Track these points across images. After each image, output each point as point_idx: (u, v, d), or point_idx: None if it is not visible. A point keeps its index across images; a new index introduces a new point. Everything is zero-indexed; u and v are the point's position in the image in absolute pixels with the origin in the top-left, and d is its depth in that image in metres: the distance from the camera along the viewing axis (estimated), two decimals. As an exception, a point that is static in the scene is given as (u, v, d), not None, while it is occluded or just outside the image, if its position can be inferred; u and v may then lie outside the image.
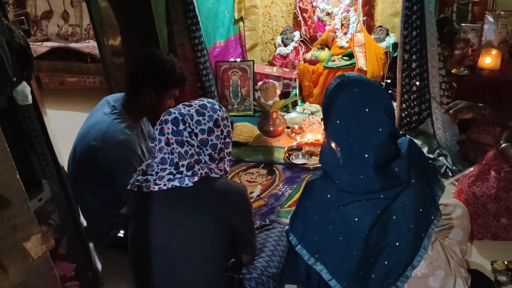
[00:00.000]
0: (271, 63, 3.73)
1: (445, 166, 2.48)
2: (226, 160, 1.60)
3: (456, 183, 2.31)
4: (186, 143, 1.46)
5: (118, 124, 1.99)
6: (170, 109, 1.52)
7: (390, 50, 3.32)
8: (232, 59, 3.49)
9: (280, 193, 2.51)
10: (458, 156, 2.55)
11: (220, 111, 1.57)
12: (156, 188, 1.45)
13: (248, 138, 3.11)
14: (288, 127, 3.16)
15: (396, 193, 1.39)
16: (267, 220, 2.29)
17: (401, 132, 2.78)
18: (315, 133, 3.00)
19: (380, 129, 1.37)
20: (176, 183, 1.44)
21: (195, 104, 1.56)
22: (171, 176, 1.45)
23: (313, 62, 3.48)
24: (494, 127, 2.41)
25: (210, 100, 1.60)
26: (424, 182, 1.45)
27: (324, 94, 1.52)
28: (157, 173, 1.48)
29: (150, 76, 1.99)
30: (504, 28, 3.25)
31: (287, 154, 2.84)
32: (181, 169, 1.45)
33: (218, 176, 1.52)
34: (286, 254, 1.74)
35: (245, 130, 3.16)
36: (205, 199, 1.46)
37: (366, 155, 1.36)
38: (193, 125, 1.50)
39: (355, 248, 1.41)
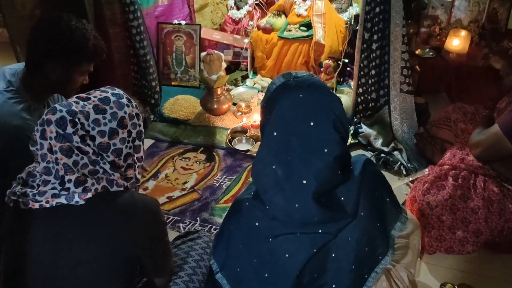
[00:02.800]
0: (222, 28, 3.34)
1: (399, 163, 2.25)
2: (137, 166, 1.30)
3: (411, 185, 2.10)
4: (76, 151, 1.15)
5: (13, 106, 1.62)
6: (56, 106, 1.18)
7: (352, 23, 3.00)
8: (176, 21, 3.08)
9: (217, 184, 2.23)
10: (414, 151, 2.33)
11: (128, 106, 1.25)
12: (37, 205, 1.13)
13: (189, 114, 2.77)
14: (235, 104, 2.84)
15: (338, 228, 1.14)
16: (198, 218, 2.02)
17: (355, 120, 2.52)
18: (263, 114, 2.69)
19: (326, 150, 1.09)
20: (62, 200, 1.13)
21: (95, 97, 1.23)
22: (56, 191, 1.14)
23: (268, 30, 3.12)
24: (456, 123, 2.18)
25: (116, 91, 1.27)
26: (376, 215, 1.20)
27: (264, 95, 1.22)
28: (38, 185, 1.16)
29: (55, 47, 1.61)
30: (476, 6, 2.99)
31: (230, 137, 2.54)
32: (67, 185, 1.14)
33: (122, 188, 1.21)
34: (207, 278, 1.48)
35: (187, 105, 2.82)
36: (100, 221, 1.16)
37: (305, 181, 1.09)
38: (88, 125, 1.18)
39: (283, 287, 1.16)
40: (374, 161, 2.32)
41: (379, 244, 1.21)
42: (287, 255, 1.14)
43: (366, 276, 1.19)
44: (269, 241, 1.15)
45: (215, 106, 2.70)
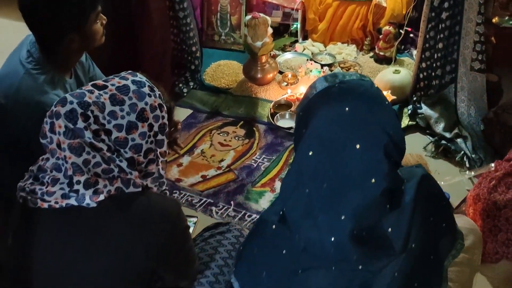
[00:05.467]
0: (272, -16, 3.05)
1: (462, 152, 1.98)
2: (159, 161, 1.15)
3: (474, 179, 1.84)
4: (87, 148, 1.02)
5: (34, 78, 1.49)
6: (67, 96, 1.05)
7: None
8: (222, -23, 2.83)
9: (255, 165, 2.07)
10: (480, 138, 2.03)
11: (150, 96, 1.11)
12: (46, 205, 1.03)
13: (231, 83, 2.58)
14: (281, 72, 2.61)
15: (382, 265, 0.95)
16: (232, 202, 1.88)
17: (414, 99, 2.23)
18: (310, 86, 2.45)
19: (372, 181, 0.89)
20: (72, 201, 1.02)
21: (113, 85, 1.09)
22: (65, 192, 1.02)
23: (322, -11, 2.81)
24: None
25: (138, 78, 1.13)
26: (430, 246, 0.99)
27: (301, 101, 1.02)
28: (47, 183, 1.05)
29: (60, 22, 1.44)
30: None
31: (273, 111, 2.34)
32: (76, 186, 1.02)
33: (139, 189, 1.08)
34: None
35: (229, 72, 2.62)
36: (111, 229, 1.05)
37: (343, 217, 0.89)
38: (104, 118, 1.05)
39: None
40: (433, 148, 2.07)
41: (431, 279, 1.01)
42: (318, 291, 0.97)
43: (412, 313, 1.00)
44: (298, 274, 0.98)
45: (259, 75, 2.49)
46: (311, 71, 2.53)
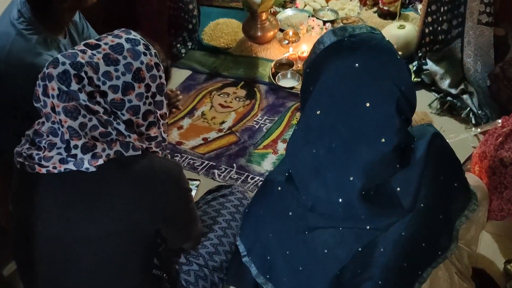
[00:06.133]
0: None
1: (468, 109, 1.94)
2: (161, 123, 1.12)
3: (480, 136, 1.81)
4: (83, 111, 0.98)
5: (27, 39, 1.45)
6: (59, 56, 1.01)
7: None
8: None
9: (257, 126, 2.03)
10: (486, 94, 1.99)
11: (146, 55, 1.06)
12: (44, 170, 1.00)
13: (230, 42, 2.51)
14: (281, 30, 2.53)
15: (390, 223, 0.93)
16: (234, 164, 1.86)
17: (419, 54, 2.17)
18: (312, 44, 2.38)
19: (383, 139, 0.86)
20: (70, 166, 0.99)
21: (106, 44, 1.04)
22: (63, 157, 0.99)
23: None
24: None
25: (132, 36, 1.07)
26: (439, 205, 0.97)
27: (308, 55, 0.97)
28: (44, 148, 1.02)
29: None
30: None
31: (274, 70, 2.28)
32: (74, 151, 0.99)
33: (139, 152, 1.05)
34: (232, 256, 1.34)
35: (228, 31, 2.55)
36: (114, 192, 1.03)
37: (351, 178, 0.87)
38: (98, 79, 1.01)
39: (320, 283, 1.00)
40: (439, 105, 2.03)
41: (439, 239, 1.00)
42: (326, 251, 0.95)
43: (420, 272, 1.00)
44: (305, 234, 0.97)
45: (259, 34, 2.41)
46: (312, 28, 2.45)
